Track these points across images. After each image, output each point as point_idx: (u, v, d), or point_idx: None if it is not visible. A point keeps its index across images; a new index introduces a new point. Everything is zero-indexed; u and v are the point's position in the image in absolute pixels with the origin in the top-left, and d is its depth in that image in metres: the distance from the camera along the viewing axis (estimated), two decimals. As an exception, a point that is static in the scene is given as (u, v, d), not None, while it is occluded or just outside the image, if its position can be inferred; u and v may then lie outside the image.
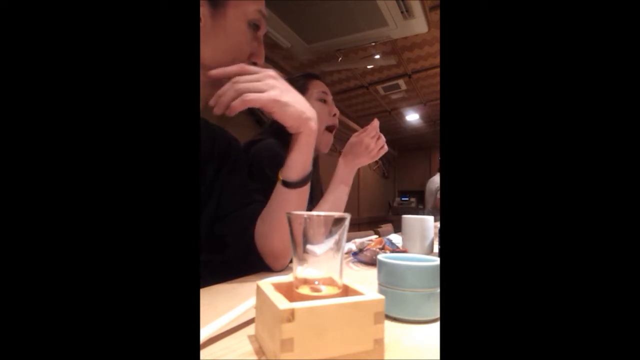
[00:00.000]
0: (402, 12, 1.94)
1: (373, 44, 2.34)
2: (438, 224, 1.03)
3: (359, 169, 0.95)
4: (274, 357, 0.25)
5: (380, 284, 0.39)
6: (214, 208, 0.64)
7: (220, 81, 0.58)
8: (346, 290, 0.31)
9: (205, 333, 0.30)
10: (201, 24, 0.54)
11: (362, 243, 0.77)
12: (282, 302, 0.26)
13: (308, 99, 0.69)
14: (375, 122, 0.89)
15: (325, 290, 0.30)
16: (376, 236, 0.97)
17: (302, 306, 0.25)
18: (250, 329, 0.34)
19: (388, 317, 0.37)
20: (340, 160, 0.91)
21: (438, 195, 3.35)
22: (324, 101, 1.01)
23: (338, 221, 0.30)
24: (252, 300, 0.35)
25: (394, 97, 3.69)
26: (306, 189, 0.59)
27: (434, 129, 4.98)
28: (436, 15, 2.13)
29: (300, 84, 0.97)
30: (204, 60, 0.55)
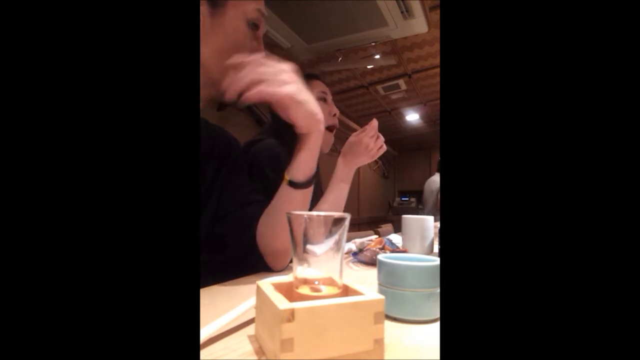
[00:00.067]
0: (402, 12, 1.94)
1: (373, 44, 2.34)
2: (438, 224, 1.03)
3: (358, 169, 0.96)
4: (274, 357, 0.25)
5: (380, 284, 0.39)
6: (214, 208, 0.64)
7: (219, 79, 0.58)
8: (346, 290, 0.31)
9: (205, 333, 0.30)
10: (201, 23, 0.54)
11: (362, 243, 0.77)
12: (282, 302, 0.26)
13: None
14: (374, 122, 0.89)
15: (325, 290, 0.30)
16: (376, 236, 0.97)
17: (302, 306, 0.25)
18: (250, 329, 0.34)
19: (388, 317, 0.37)
20: (340, 160, 0.91)
21: (439, 196, 3.35)
22: (324, 101, 1.01)
23: (338, 221, 0.30)
24: (252, 300, 0.35)
25: (394, 97, 3.69)
26: (311, 190, 0.59)
27: (434, 129, 4.97)
28: (436, 15, 2.13)
29: None
30: (204, 60, 0.55)
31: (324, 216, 0.30)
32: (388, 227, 2.58)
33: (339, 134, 1.14)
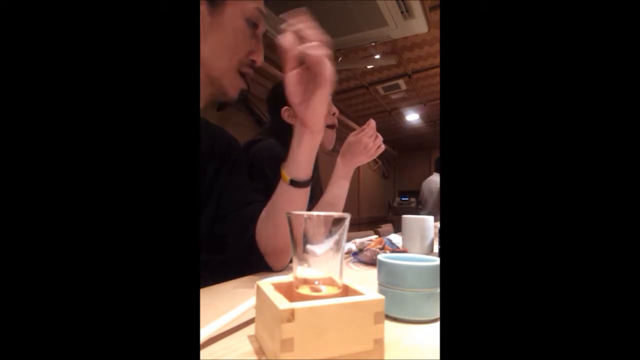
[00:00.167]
0: (402, 12, 1.94)
1: (373, 44, 2.34)
2: (438, 224, 1.03)
3: (358, 169, 0.96)
4: (274, 357, 0.25)
5: (380, 284, 0.39)
6: (214, 208, 0.64)
7: (220, 80, 0.58)
8: (346, 290, 0.31)
9: (205, 333, 0.30)
10: (200, 22, 0.54)
11: (362, 243, 0.77)
12: (282, 302, 0.26)
13: None
14: (373, 122, 0.89)
15: (325, 290, 0.30)
16: (376, 236, 0.97)
17: (302, 306, 0.25)
18: (250, 329, 0.34)
19: (388, 317, 0.37)
20: (339, 159, 0.91)
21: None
22: None
23: (338, 221, 0.30)
24: (252, 300, 0.35)
25: (394, 97, 3.69)
26: (309, 189, 0.59)
27: (434, 129, 4.97)
28: (436, 15, 2.13)
29: None
30: (203, 58, 0.55)
31: (324, 216, 0.30)
32: (388, 227, 2.58)
33: (339, 134, 1.14)
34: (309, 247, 0.30)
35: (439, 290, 0.37)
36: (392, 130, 5.08)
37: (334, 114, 1.03)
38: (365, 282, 0.57)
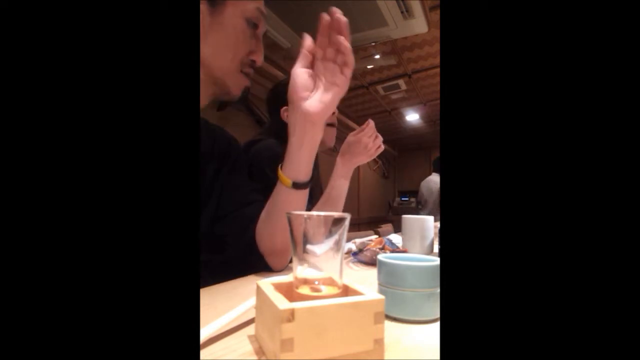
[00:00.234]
0: (402, 12, 1.94)
1: (373, 44, 2.33)
2: (438, 224, 1.03)
3: (358, 168, 0.96)
4: (274, 357, 0.25)
5: (380, 284, 0.39)
6: (214, 208, 0.64)
7: (223, 79, 0.58)
8: (346, 290, 0.31)
9: (205, 333, 0.30)
10: (200, 22, 0.54)
11: (362, 243, 0.77)
12: (282, 302, 0.26)
13: None
14: (372, 122, 0.90)
15: (325, 290, 0.30)
16: (376, 236, 0.97)
17: (302, 306, 0.25)
18: (250, 329, 0.34)
19: (388, 317, 0.37)
20: (338, 159, 0.91)
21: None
22: None
23: (338, 221, 0.30)
24: (252, 300, 0.35)
25: (394, 97, 3.69)
26: (308, 190, 0.59)
27: (434, 129, 4.97)
28: (436, 15, 2.13)
29: None
30: (204, 58, 0.55)
31: (324, 216, 0.30)
32: (388, 227, 2.58)
33: (339, 134, 1.14)
34: (309, 247, 0.30)
35: (439, 290, 0.37)
36: (392, 130, 5.08)
37: (333, 113, 1.03)
38: (365, 282, 0.57)
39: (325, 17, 0.50)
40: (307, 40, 0.52)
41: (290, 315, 0.24)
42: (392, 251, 0.74)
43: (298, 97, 0.53)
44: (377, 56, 2.64)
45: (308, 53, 0.53)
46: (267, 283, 0.32)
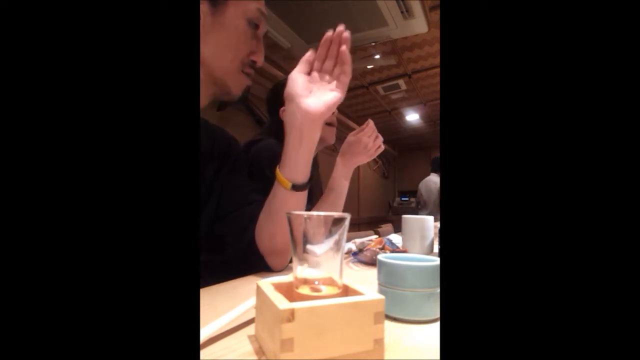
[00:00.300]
0: (402, 12, 1.94)
1: (373, 44, 2.33)
2: (438, 224, 1.03)
3: (358, 168, 0.97)
4: (274, 357, 0.25)
5: (380, 284, 0.39)
6: (214, 208, 0.64)
7: (224, 79, 0.58)
8: (346, 290, 0.31)
9: (205, 333, 0.30)
10: (201, 22, 0.54)
11: (362, 243, 0.77)
12: (282, 302, 0.26)
13: None
14: (371, 122, 0.90)
15: (325, 290, 0.30)
16: (376, 236, 0.97)
17: (302, 306, 0.25)
18: (250, 329, 0.34)
19: (388, 317, 0.37)
20: (338, 159, 0.91)
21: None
22: None
23: (338, 221, 0.30)
24: (252, 300, 0.35)
25: (394, 97, 3.69)
26: (307, 191, 0.59)
27: (434, 129, 4.97)
28: (436, 15, 2.13)
29: None
30: (204, 58, 0.55)
31: (324, 216, 0.30)
32: (388, 227, 2.58)
33: (339, 134, 1.14)
34: (309, 247, 0.30)
35: (439, 290, 0.37)
36: (392, 130, 5.08)
37: (333, 113, 1.03)
38: (365, 282, 0.57)
39: (329, 32, 0.55)
40: (308, 53, 0.56)
41: (290, 315, 0.24)
42: (392, 251, 0.74)
43: (298, 95, 0.53)
44: (377, 56, 2.64)
45: (307, 62, 0.56)
46: (267, 283, 0.32)
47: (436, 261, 0.38)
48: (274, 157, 0.86)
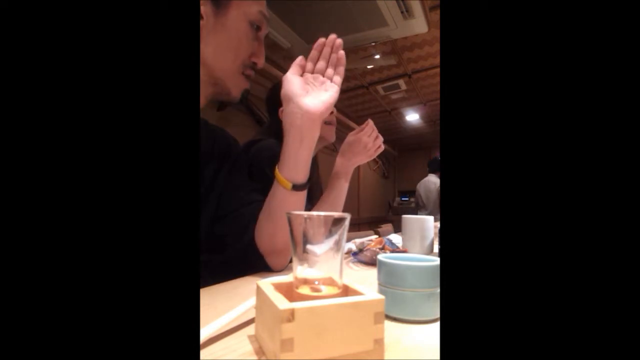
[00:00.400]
0: (402, 12, 1.94)
1: (373, 44, 2.33)
2: (438, 224, 1.03)
3: (358, 168, 0.97)
4: (274, 357, 0.25)
5: (380, 284, 0.39)
6: (214, 208, 0.64)
7: (224, 80, 0.58)
8: (346, 290, 0.31)
9: (205, 333, 0.30)
10: (203, 23, 0.55)
11: (362, 243, 0.77)
12: (282, 302, 0.26)
13: None
14: (371, 122, 0.90)
15: (325, 290, 0.30)
16: (376, 236, 0.97)
17: (302, 306, 0.25)
18: (250, 329, 0.34)
19: (388, 317, 0.37)
20: (338, 159, 0.91)
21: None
22: None
23: (338, 221, 0.30)
24: (252, 300, 0.35)
25: (394, 97, 3.68)
26: (306, 191, 0.59)
27: (434, 129, 4.97)
28: (436, 15, 2.13)
29: None
30: (205, 59, 0.56)
31: (324, 216, 0.30)
32: (388, 227, 2.58)
33: (339, 134, 1.14)
34: (309, 247, 0.30)
35: (439, 290, 0.37)
36: (392, 130, 5.08)
37: (331, 112, 1.03)
38: (365, 282, 0.57)
39: (322, 39, 0.58)
40: (298, 58, 0.58)
41: (290, 315, 0.24)
42: (392, 251, 0.74)
43: (296, 95, 0.53)
44: (377, 56, 2.64)
45: (299, 66, 0.57)
46: (267, 283, 0.32)
47: (436, 261, 0.38)
48: (274, 157, 0.86)
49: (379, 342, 0.27)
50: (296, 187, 0.56)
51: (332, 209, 0.88)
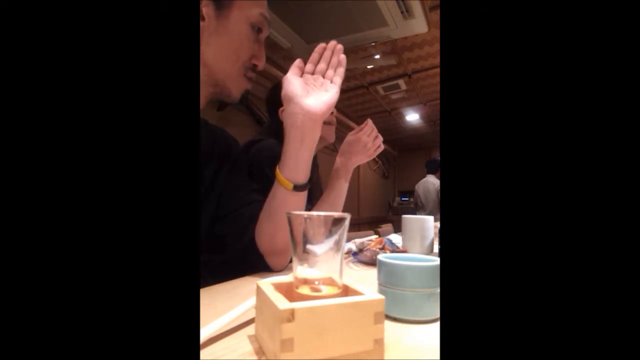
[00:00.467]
0: (402, 12, 1.94)
1: (373, 44, 2.33)
2: (438, 224, 1.03)
3: (358, 168, 0.97)
4: (274, 357, 0.25)
5: (380, 284, 0.39)
6: (214, 208, 0.64)
7: (225, 82, 0.58)
8: (346, 290, 0.31)
9: (205, 333, 0.30)
10: (206, 24, 0.55)
11: (362, 243, 0.77)
12: (282, 302, 0.26)
13: None
14: (370, 122, 0.90)
15: (325, 290, 0.30)
16: (376, 236, 0.97)
17: (302, 306, 0.25)
18: (250, 329, 0.34)
19: (388, 317, 0.37)
20: (338, 158, 0.91)
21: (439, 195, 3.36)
22: None
23: (338, 221, 0.30)
24: (252, 300, 0.35)
25: (394, 97, 3.68)
26: (307, 192, 0.59)
27: (434, 129, 4.97)
28: (436, 15, 2.13)
29: None
30: (206, 60, 0.56)
31: (324, 216, 0.30)
32: (388, 227, 2.58)
33: (339, 134, 1.14)
34: (309, 247, 0.30)
35: (439, 290, 0.37)
36: (392, 130, 5.08)
37: (332, 112, 1.03)
38: (365, 282, 0.57)
39: (323, 43, 0.59)
40: (297, 61, 0.59)
41: (290, 315, 0.24)
42: (392, 251, 0.74)
43: (297, 95, 0.54)
44: (377, 56, 2.64)
45: (298, 68, 0.58)
46: (267, 283, 0.32)
47: (436, 261, 0.38)
48: (274, 157, 0.86)
49: (379, 342, 0.27)
50: (297, 188, 0.56)
51: (332, 209, 0.88)
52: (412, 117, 4.48)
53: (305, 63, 0.59)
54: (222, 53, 0.57)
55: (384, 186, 6.18)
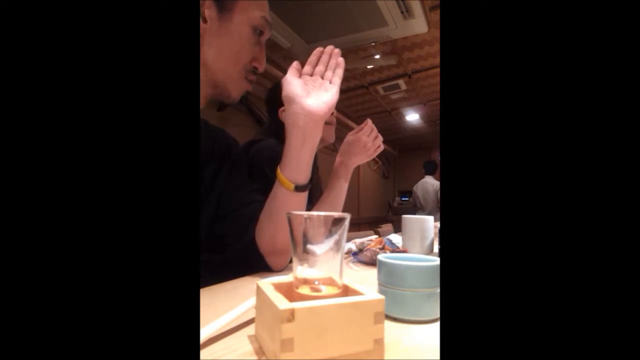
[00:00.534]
0: (402, 12, 1.94)
1: (373, 44, 2.33)
2: (438, 224, 1.03)
3: (358, 168, 0.97)
4: (274, 357, 0.25)
5: (380, 284, 0.39)
6: (214, 208, 0.64)
7: (225, 83, 0.59)
8: (346, 290, 0.31)
9: (205, 333, 0.30)
10: (208, 26, 0.55)
11: (362, 243, 0.77)
12: (282, 302, 0.26)
13: None
14: (370, 122, 0.90)
15: (325, 290, 0.30)
16: (376, 236, 0.97)
17: (302, 306, 0.25)
18: (250, 329, 0.34)
19: (388, 317, 0.37)
20: (338, 158, 0.91)
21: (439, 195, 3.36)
22: None
23: (338, 221, 0.30)
24: (252, 300, 0.35)
25: (394, 97, 3.69)
26: (307, 192, 0.59)
27: (434, 129, 4.97)
28: (436, 15, 2.13)
29: None
30: (207, 61, 0.56)
31: (324, 216, 0.30)
32: (388, 227, 2.58)
33: (339, 134, 1.14)
34: (309, 247, 0.30)
35: (439, 290, 0.37)
36: (392, 130, 5.08)
37: (332, 113, 1.04)
38: (365, 282, 0.57)
39: (320, 48, 0.60)
40: (294, 63, 0.60)
41: (290, 315, 0.24)
42: (392, 251, 0.74)
43: (298, 96, 0.54)
44: (377, 56, 2.64)
45: (296, 69, 0.59)
46: (267, 283, 0.32)
47: (436, 261, 0.38)
48: (274, 157, 0.86)
49: (379, 342, 0.27)
50: (298, 188, 0.56)
51: (332, 209, 0.88)
52: (412, 117, 4.48)
53: (303, 65, 0.59)
54: (223, 55, 0.57)
55: (384, 186, 6.18)
